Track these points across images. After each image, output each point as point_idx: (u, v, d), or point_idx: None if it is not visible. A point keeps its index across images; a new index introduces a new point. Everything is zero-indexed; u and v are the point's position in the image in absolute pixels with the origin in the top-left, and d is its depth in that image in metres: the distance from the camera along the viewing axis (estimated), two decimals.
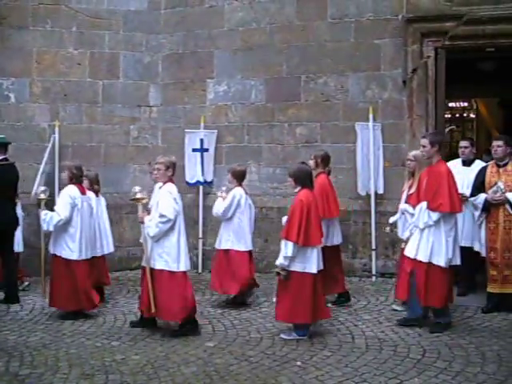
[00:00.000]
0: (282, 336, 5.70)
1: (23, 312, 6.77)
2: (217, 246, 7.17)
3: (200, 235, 9.08)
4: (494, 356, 5.12)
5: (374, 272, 8.37)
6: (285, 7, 8.82)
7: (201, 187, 9.11)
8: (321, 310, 5.70)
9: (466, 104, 16.92)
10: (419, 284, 5.82)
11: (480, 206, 6.61)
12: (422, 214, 5.86)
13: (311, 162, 6.88)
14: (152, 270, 5.84)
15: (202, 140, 9.05)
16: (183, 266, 5.84)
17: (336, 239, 7.03)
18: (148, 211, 5.96)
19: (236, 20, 9.06)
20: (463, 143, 7.53)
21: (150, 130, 9.55)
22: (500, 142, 6.72)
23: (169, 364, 5.04)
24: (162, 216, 5.73)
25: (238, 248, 6.92)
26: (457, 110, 17.27)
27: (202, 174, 9.10)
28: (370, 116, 8.24)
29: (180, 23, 9.38)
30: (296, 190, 5.88)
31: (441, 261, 5.79)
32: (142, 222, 5.89)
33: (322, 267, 5.75)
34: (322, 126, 8.66)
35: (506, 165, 6.67)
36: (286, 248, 5.52)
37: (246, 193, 7.17)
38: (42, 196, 6.95)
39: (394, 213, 8.21)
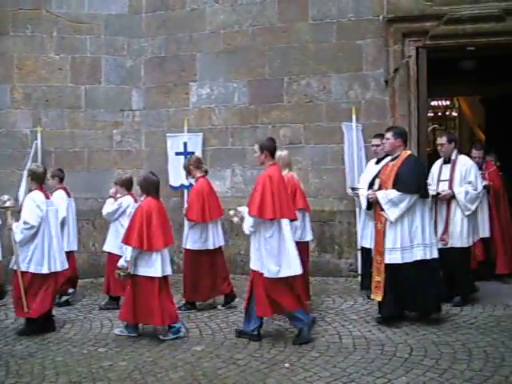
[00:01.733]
0: (116, 332, 6.07)
1: (8, 321, 6.70)
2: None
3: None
4: (480, 352, 5.14)
5: (359, 272, 8.38)
6: (266, 9, 8.84)
7: (185, 191, 9.07)
8: (170, 313, 5.85)
9: (448, 102, 17.02)
10: (256, 294, 5.60)
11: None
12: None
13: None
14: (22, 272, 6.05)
15: (185, 143, 9.02)
16: (46, 268, 6.07)
17: (217, 241, 7.09)
18: (17, 218, 6.22)
19: (218, 22, 9.06)
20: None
21: (133, 135, 9.52)
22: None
23: (156, 369, 5.01)
24: (25, 223, 6.02)
25: (115, 252, 6.92)
26: (439, 108, 17.38)
27: (187, 177, 9.05)
28: (353, 116, 8.27)
29: (161, 27, 9.36)
30: (142, 197, 6.32)
31: (264, 270, 5.51)
32: (11, 229, 6.13)
33: (169, 272, 5.97)
34: (306, 127, 8.68)
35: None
36: (126, 252, 5.81)
37: (136, 201, 7.10)
38: (8, 204, 6.29)
39: None
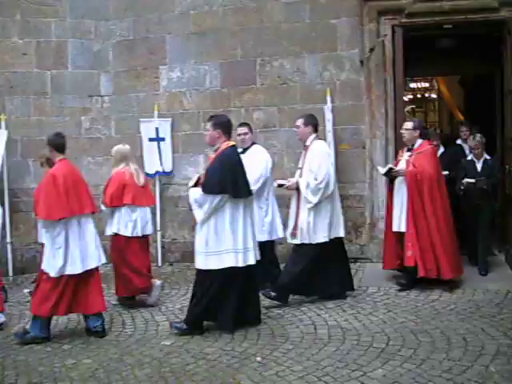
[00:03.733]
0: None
1: None
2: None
3: (158, 227, 8.77)
4: (459, 341, 4.96)
5: None
6: None
7: (157, 178, 8.80)
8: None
9: (427, 85, 16.89)
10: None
11: None
12: None
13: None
14: None
15: (157, 129, 8.74)
16: None
17: None
18: None
19: (187, 3, 8.71)
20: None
21: (103, 121, 9.18)
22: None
23: (122, 367, 4.77)
24: None
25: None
26: (418, 90, 17.25)
27: (161, 164, 8.79)
28: (328, 98, 8.01)
29: (129, 8, 8.99)
30: None
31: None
32: None
33: None
34: (280, 109, 8.41)
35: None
36: None
37: None
38: None
39: (357, 196, 8.15)
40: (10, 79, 8.81)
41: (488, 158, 7.50)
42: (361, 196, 8.16)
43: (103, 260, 5.70)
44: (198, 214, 5.40)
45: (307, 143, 6.37)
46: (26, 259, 8.63)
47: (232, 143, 5.59)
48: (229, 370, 4.58)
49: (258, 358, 4.76)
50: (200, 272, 5.46)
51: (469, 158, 7.68)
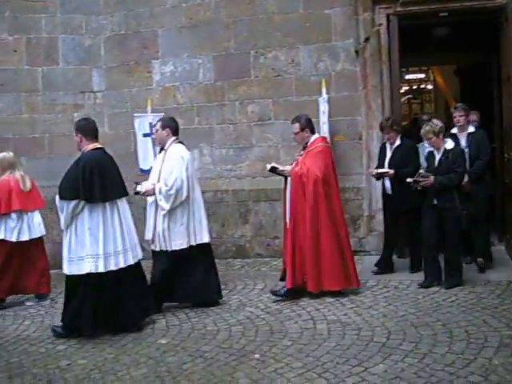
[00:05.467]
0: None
1: None
2: None
3: None
4: (461, 333, 4.86)
5: None
6: None
7: None
8: None
9: (423, 75, 16.78)
10: None
11: None
12: None
13: None
14: None
15: (150, 124, 8.59)
16: None
17: None
18: None
19: None
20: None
21: (96, 117, 8.74)
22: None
23: (117, 367, 4.66)
24: None
25: None
26: (414, 81, 17.12)
27: (155, 159, 8.64)
28: (323, 89, 7.89)
29: (120, 3, 8.84)
30: None
31: None
32: None
33: None
34: (275, 102, 8.28)
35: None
36: None
37: None
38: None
39: (354, 188, 8.04)
40: (1, 77, 8.67)
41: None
42: (358, 188, 8.04)
43: None
44: (61, 219, 5.37)
45: (165, 147, 6.14)
46: None
47: (98, 146, 5.52)
48: (227, 368, 4.47)
49: (257, 356, 4.65)
50: (67, 277, 5.43)
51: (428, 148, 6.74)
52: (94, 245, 5.24)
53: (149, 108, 8.61)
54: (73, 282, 5.37)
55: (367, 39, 7.92)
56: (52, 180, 8.38)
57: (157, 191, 5.88)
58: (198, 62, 8.57)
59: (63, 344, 5.31)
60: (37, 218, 6.80)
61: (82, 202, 5.23)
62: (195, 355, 4.77)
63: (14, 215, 6.56)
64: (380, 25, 7.92)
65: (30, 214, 6.70)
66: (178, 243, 5.92)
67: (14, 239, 6.55)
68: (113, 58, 8.95)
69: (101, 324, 5.42)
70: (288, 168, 6.25)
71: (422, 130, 6.42)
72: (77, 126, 5.62)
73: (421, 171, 6.43)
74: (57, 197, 5.40)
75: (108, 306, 5.36)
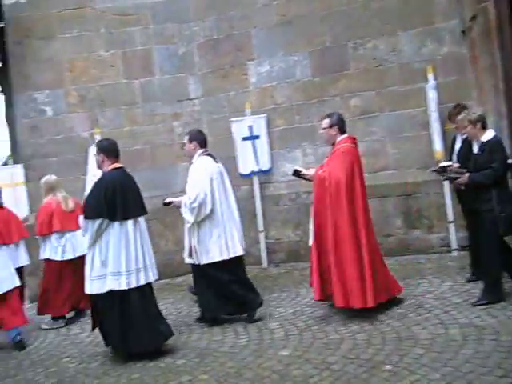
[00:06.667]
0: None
1: (83, 334, 6.36)
2: None
3: (261, 228, 8.49)
4: None
5: (454, 246, 7.57)
6: None
7: (255, 177, 8.51)
8: None
9: None
10: None
11: None
12: None
13: None
14: None
15: (250, 127, 8.44)
16: None
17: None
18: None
19: None
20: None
21: (195, 124, 8.96)
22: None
23: (241, 382, 4.47)
24: None
25: None
26: None
27: (257, 163, 8.50)
28: (430, 75, 7.42)
29: (211, 7, 8.78)
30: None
31: None
32: None
33: None
34: (378, 93, 7.89)
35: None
36: None
37: None
38: None
39: None
40: (100, 93, 8.82)
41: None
42: None
43: (17, 283, 6.29)
44: (85, 238, 5.43)
45: (193, 160, 6.13)
46: None
47: (118, 165, 5.53)
48: (357, 381, 4.17)
49: (388, 366, 4.31)
50: (90, 296, 5.47)
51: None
52: (116, 262, 5.25)
53: (247, 111, 8.45)
54: (96, 300, 5.42)
55: (474, 18, 7.35)
56: (155, 191, 8.50)
57: (182, 204, 5.87)
58: (294, 60, 8.33)
59: (182, 358, 5.20)
60: (80, 236, 6.83)
61: (106, 221, 5.26)
62: (321, 367, 4.50)
63: (55, 236, 6.88)
64: (487, 0, 7.34)
65: (72, 233, 6.91)
66: (210, 256, 5.86)
67: (58, 258, 6.87)
68: (207, 64, 8.88)
69: (131, 342, 5.34)
70: (312, 172, 5.87)
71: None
72: (99, 146, 5.66)
73: (453, 165, 5.80)
74: (81, 217, 5.52)
75: (133, 323, 5.32)
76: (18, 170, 9.22)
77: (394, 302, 5.68)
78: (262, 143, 8.46)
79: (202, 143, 6.17)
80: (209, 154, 6.14)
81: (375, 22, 7.83)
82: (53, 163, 8.73)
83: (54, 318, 6.93)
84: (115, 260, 5.24)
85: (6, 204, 6.97)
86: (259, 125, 8.42)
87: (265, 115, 8.43)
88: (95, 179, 8.12)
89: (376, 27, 7.83)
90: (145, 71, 8.88)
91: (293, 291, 6.84)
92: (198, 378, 4.71)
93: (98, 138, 8.50)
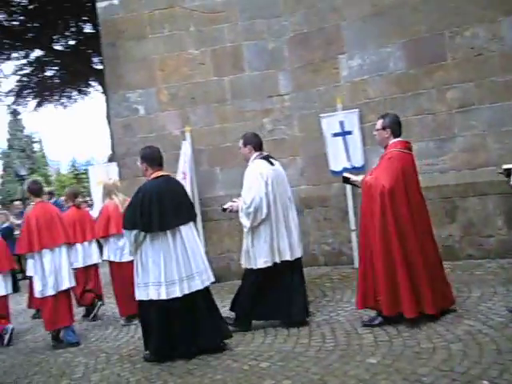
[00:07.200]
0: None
1: None
2: None
3: (353, 227, 8.21)
4: None
5: None
6: None
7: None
8: None
9: None
10: None
11: None
12: None
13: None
14: None
15: (341, 122, 8.18)
16: None
17: None
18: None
19: None
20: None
21: (285, 120, 8.86)
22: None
23: None
24: None
25: None
26: None
27: (348, 159, 8.22)
28: None
29: (300, 1, 8.57)
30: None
31: None
32: None
33: None
34: (478, 84, 7.41)
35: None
36: None
37: None
38: None
39: None
40: (191, 91, 8.86)
41: None
42: None
43: (73, 283, 6.74)
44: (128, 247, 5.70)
45: (248, 163, 6.07)
46: (219, 268, 8.56)
47: (160, 174, 5.50)
48: None
49: (485, 382, 3.95)
50: (138, 303, 5.53)
51: None
52: (156, 272, 5.29)
53: (339, 106, 8.19)
54: (144, 307, 5.45)
55: None
56: None
57: (239, 209, 5.82)
58: (386, 52, 7.98)
59: (266, 361, 5.06)
60: None
61: (142, 233, 5.30)
62: (411, 379, 4.20)
63: (113, 238, 7.14)
64: None
65: None
66: (263, 261, 5.78)
67: (117, 259, 7.12)
68: (297, 59, 8.69)
69: (177, 349, 5.42)
70: (360, 178, 5.58)
71: None
72: (142, 154, 5.61)
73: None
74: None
75: (181, 331, 5.37)
76: (113, 168, 9.49)
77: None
78: (355, 139, 8.16)
79: (257, 146, 6.08)
80: (265, 157, 6.04)
81: (473, 7, 7.34)
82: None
83: (128, 318, 7.15)
84: (154, 270, 5.30)
85: (100, 201, 7.37)
86: (351, 120, 8.13)
87: (357, 110, 8.13)
88: (183, 177, 8.28)
89: (474, 13, 7.35)
90: (234, 68, 8.82)
91: None
92: (282, 383, 4.54)
93: (188, 135, 8.58)
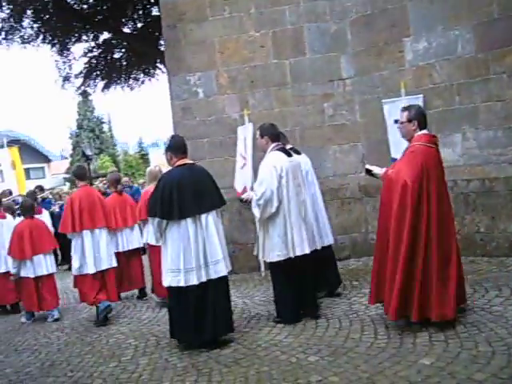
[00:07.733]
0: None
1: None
2: None
3: None
4: None
5: None
6: None
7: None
8: None
9: None
10: None
11: None
12: None
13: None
14: None
15: None
16: None
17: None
18: None
19: None
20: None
21: (347, 105, 8.60)
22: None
23: None
24: None
25: None
26: None
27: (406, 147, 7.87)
28: None
29: None
30: None
31: None
32: None
33: None
34: None
35: None
36: None
37: None
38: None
39: None
40: (251, 74, 8.72)
41: None
42: None
43: (114, 264, 7.17)
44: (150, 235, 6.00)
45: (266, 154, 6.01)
46: None
47: (183, 162, 5.50)
48: None
49: None
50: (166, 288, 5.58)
51: None
52: (175, 260, 5.32)
53: (402, 91, 7.86)
54: (170, 293, 5.53)
55: None
56: None
57: (252, 200, 5.79)
58: (455, 34, 7.57)
59: (315, 355, 4.90)
60: None
61: (164, 220, 5.35)
62: None
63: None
64: None
65: None
66: (276, 254, 5.74)
67: (154, 242, 6.82)
68: (360, 42, 8.40)
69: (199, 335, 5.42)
70: (383, 171, 5.33)
71: None
72: (167, 144, 5.65)
73: None
74: None
75: (198, 318, 5.39)
76: None
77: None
78: None
79: (274, 137, 5.94)
80: (281, 149, 5.88)
81: None
82: (204, 144, 8.83)
83: (163, 299, 7.21)
84: (174, 258, 5.33)
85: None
86: None
87: (421, 96, 7.76)
88: (243, 161, 8.19)
89: None
90: (295, 51, 8.61)
91: None
92: (328, 379, 4.37)
93: (246, 118, 8.44)
